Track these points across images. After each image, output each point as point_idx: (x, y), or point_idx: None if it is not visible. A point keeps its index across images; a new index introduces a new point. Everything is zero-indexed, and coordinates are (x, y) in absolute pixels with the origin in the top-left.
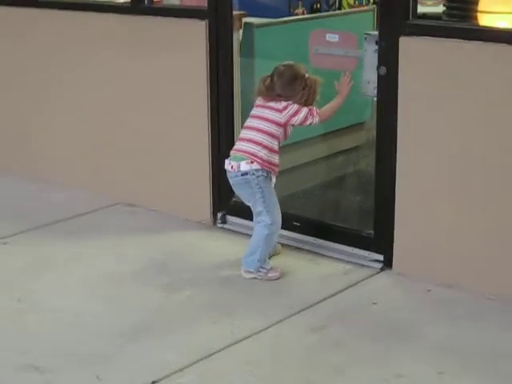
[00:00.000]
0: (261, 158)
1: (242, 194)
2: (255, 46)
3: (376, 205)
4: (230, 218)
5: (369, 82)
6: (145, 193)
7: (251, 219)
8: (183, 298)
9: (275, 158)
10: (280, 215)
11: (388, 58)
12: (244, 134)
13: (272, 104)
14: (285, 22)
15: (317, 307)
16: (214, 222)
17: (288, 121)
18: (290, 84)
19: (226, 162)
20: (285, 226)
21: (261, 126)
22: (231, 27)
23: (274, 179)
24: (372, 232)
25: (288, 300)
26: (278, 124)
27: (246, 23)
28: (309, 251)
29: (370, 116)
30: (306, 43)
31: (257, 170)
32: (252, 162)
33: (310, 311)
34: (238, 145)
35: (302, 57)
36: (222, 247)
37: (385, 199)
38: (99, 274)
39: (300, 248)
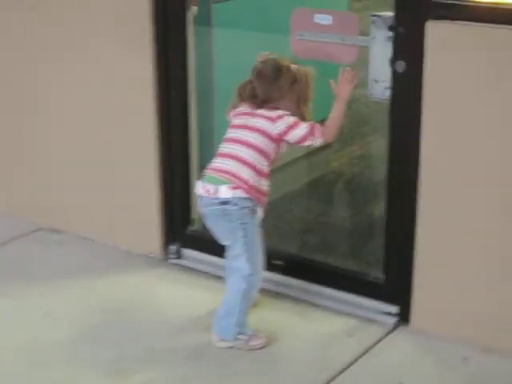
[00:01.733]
0: (246, 183)
1: (218, 229)
2: (214, 28)
3: (387, 239)
4: (185, 251)
5: (377, 81)
6: (74, 216)
7: (215, 253)
8: None
9: (264, 184)
10: (262, 263)
11: (408, 50)
12: (225, 148)
13: (263, 111)
14: None
15: None
16: (166, 257)
17: (282, 134)
18: (274, 82)
19: (199, 184)
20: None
21: (248, 139)
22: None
23: (260, 213)
24: (382, 276)
25: (279, 382)
26: (269, 137)
27: None
28: (297, 300)
29: None
30: (280, 20)
31: (241, 199)
32: (235, 188)
33: None
34: (217, 162)
35: (279, 44)
36: (181, 295)
37: (400, 232)
38: (8, 346)
39: (285, 295)
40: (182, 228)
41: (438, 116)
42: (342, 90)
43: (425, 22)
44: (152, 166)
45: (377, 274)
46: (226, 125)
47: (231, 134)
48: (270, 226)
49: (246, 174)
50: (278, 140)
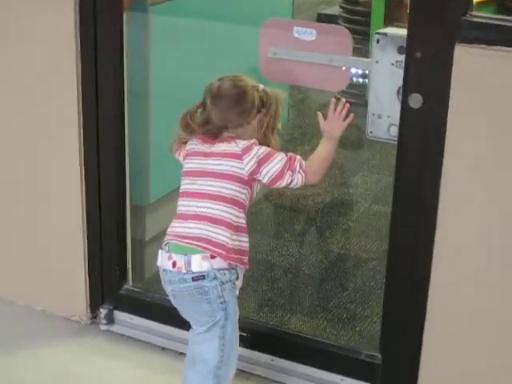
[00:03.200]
0: (224, 247)
1: (190, 311)
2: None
3: (385, 308)
4: (119, 314)
5: (380, 117)
6: None
7: (157, 318)
8: None
9: (244, 241)
10: (237, 352)
11: (428, 81)
12: (187, 206)
13: (222, 146)
14: None
15: None
16: (93, 321)
17: (253, 173)
18: (237, 104)
19: (162, 254)
20: None
21: (214, 190)
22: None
23: (241, 278)
24: (378, 355)
25: None
26: (240, 181)
27: None
28: (266, 380)
29: None
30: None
31: (221, 271)
32: (213, 257)
33: None
34: (182, 226)
35: (242, 62)
36: (113, 376)
37: (402, 296)
38: None
39: (251, 374)
40: (114, 285)
41: (463, 170)
42: (334, 127)
43: (452, 46)
44: (76, 201)
45: (371, 352)
46: (164, 151)
47: (189, 185)
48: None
49: (221, 235)
50: (250, 182)
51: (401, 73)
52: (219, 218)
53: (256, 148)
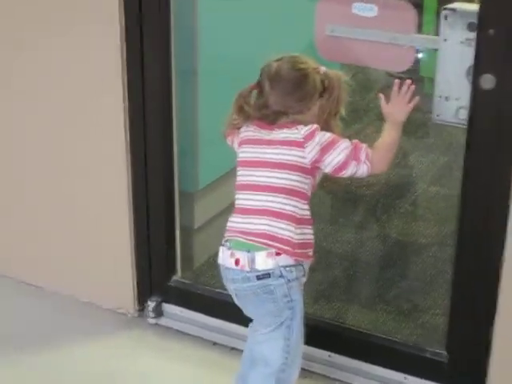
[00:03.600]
0: (289, 243)
1: (255, 311)
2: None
3: (453, 300)
4: (168, 307)
5: (448, 98)
6: (17, 259)
7: (207, 311)
8: None
9: (308, 233)
10: (301, 353)
11: (502, 60)
12: (247, 199)
13: (283, 133)
14: None
15: None
16: (141, 314)
17: (316, 162)
18: (298, 89)
19: (224, 251)
20: None
21: (275, 181)
22: None
23: (307, 273)
24: (444, 352)
25: None
26: (303, 170)
27: None
28: (324, 378)
29: None
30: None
31: (287, 269)
32: (278, 254)
33: None
34: (243, 222)
35: (298, 39)
36: (163, 372)
37: (471, 288)
38: None
39: (309, 371)
40: (163, 277)
41: None
42: (397, 110)
43: None
44: (123, 188)
45: (437, 349)
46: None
47: (247, 176)
48: None
49: (286, 230)
50: (313, 171)
51: (471, 51)
52: (282, 212)
53: (319, 135)
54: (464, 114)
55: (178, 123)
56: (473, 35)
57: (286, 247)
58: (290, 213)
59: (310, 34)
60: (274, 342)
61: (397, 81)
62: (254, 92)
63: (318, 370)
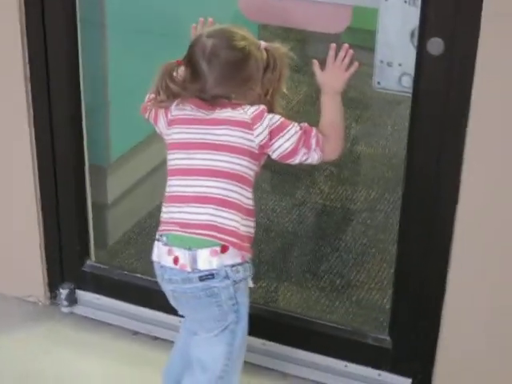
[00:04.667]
0: (236, 234)
1: (196, 316)
2: None
3: (397, 283)
4: (82, 294)
5: (390, 64)
6: None
7: (126, 297)
8: None
9: (252, 227)
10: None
11: (451, 23)
12: (184, 186)
13: (226, 112)
14: None
15: None
16: (54, 302)
17: (264, 146)
18: (239, 73)
19: (159, 247)
20: None
21: (219, 165)
22: None
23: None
24: (387, 338)
25: None
26: (250, 155)
27: None
28: (260, 368)
29: None
30: None
31: (233, 268)
32: (223, 251)
33: None
34: (181, 212)
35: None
36: (80, 369)
37: (416, 269)
38: None
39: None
40: (76, 262)
41: (492, 129)
42: (334, 79)
43: None
44: (27, 164)
45: (380, 335)
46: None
47: (184, 160)
48: None
49: (232, 220)
50: (260, 155)
51: (416, 12)
52: (227, 200)
53: (268, 117)
54: (408, 82)
55: (86, 87)
56: None
57: (232, 239)
58: (235, 201)
59: None
60: (215, 348)
61: (333, 45)
62: (181, 69)
63: (252, 360)
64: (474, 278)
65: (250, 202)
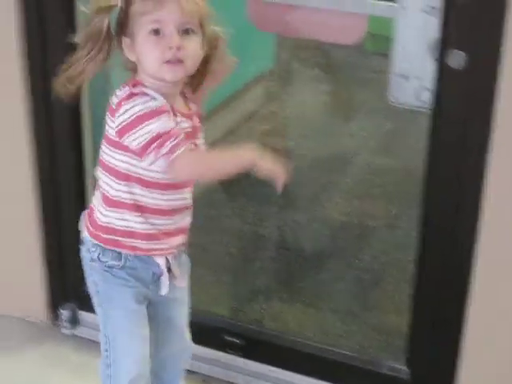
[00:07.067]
0: (92, 221)
1: None
2: None
3: (415, 309)
4: (85, 316)
5: (407, 78)
6: None
7: None
8: None
9: (131, 221)
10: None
11: (474, 34)
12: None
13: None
14: None
15: None
16: (55, 323)
17: (119, 135)
18: None
19: None
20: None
21: (101, 152)
22: None
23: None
24: (404, 367)
25: None
26: (111, 143)
27: None
28: None
29: None
30: None
31: (94, 245)
32: (87, 228)
33: None
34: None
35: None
36: None
37: (437, 298)
38: None
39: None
40: (78, 282)
41: None
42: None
43: None
44: (27, 179)
45: (397, 365)
46: None
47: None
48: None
49: (96, 206)
50: (118, 143)
51: (435, 22)
52: (99, 187)
53: (134, 102)
54: (427, 97)
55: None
56: (438, 2)
57: (87, 224)
58: (102, 190)
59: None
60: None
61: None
62: None
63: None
64: (498, 305)
65: (123, 195)
